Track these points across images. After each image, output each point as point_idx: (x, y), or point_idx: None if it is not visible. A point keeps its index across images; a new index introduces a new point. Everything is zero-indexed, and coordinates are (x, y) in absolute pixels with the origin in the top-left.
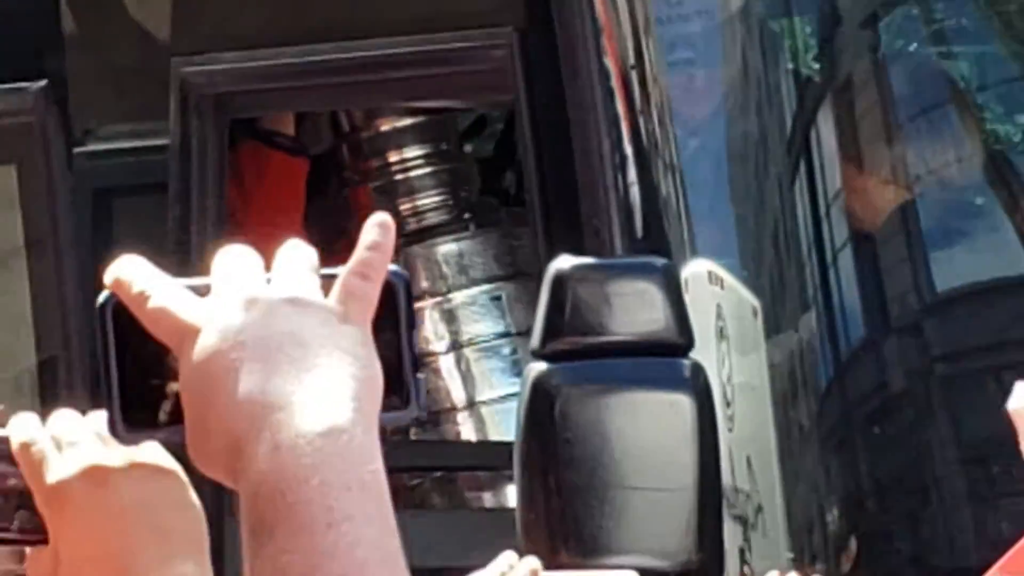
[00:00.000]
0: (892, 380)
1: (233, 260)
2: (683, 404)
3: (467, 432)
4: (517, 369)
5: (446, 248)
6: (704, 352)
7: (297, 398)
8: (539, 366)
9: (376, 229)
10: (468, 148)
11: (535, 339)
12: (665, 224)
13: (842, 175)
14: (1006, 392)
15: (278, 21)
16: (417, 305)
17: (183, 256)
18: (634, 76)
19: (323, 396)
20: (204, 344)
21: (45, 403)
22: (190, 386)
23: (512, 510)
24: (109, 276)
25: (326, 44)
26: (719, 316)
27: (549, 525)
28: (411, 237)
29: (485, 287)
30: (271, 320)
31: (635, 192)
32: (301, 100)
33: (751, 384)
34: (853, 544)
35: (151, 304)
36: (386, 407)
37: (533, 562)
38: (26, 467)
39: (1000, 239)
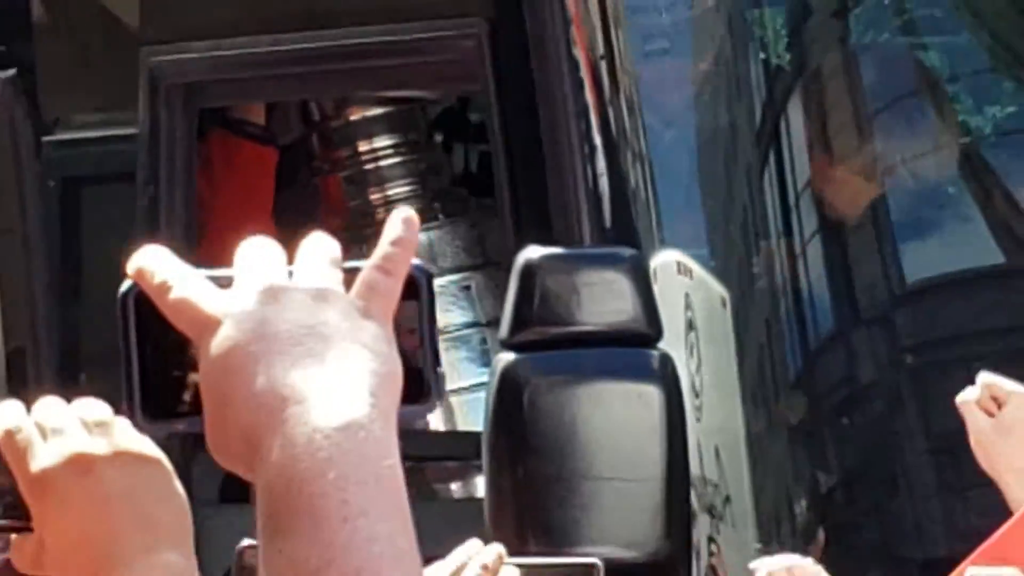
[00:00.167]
0: (861, 371)
1: (256, 252)
2: (651, 395)
3: (436, 422)
4: (486, 359)
5: None
6: (673, 342)
7: (315, 392)
8: (508, 356)
9: (400, 224)
10: (438, 138)
11: (504, 329)
12: (634, 214)
13: (812, 166)
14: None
15: (248, 10)
16: None
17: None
18: (603, 66)
19: (341, 390)
20: (224, 336)
21: (12, 393)
22: (209, 377)
23: (481, 500)
24: (131, 266)
25: (296, 33)
26: (688, 306)
27: (517, 515)
28: (381, 226)
29: (454, 276)
30: (292, 313)
31: (604, 182)
32: (271, 90)
33: (720, 375)
34: (821, 535)
35: (172, 295)
36: (406, 401)
37: (498, 548)
38: (10, 455)
39: (970, 230)
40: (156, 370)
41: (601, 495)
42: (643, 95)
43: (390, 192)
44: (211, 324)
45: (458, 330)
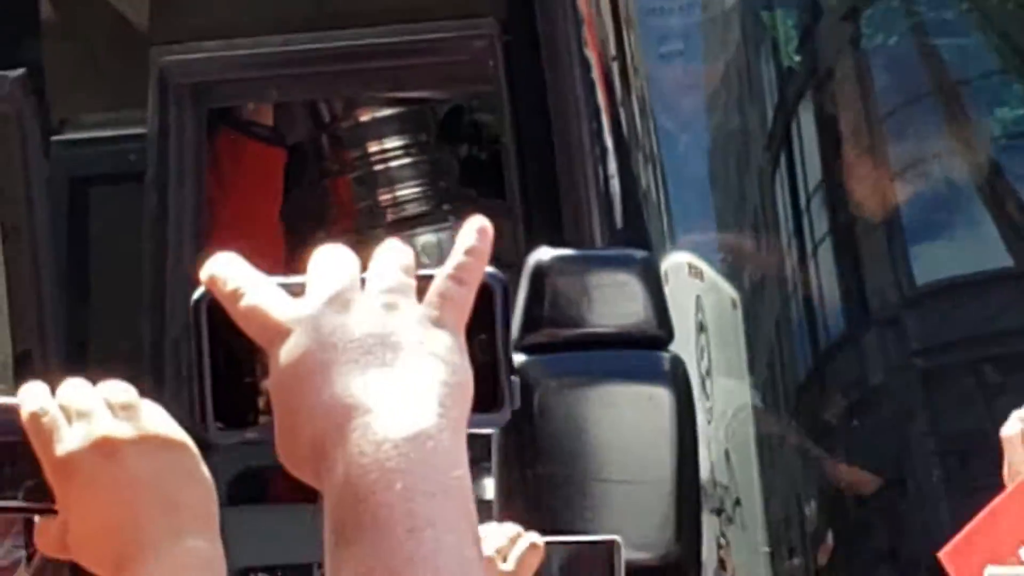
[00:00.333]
0: (871, 373)
1: (329, 260)
2: (662, 397)
3: None
4: None
5: (425, 239)
6: (683, 345)
7: (384, 401)
8: (518, 358)
9: (474, 233)
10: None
11: (514, 331)
12: (645, 216)
13: (823, 168)
14: (985, 386)
15: (258, 10)
16: None
17: (159, 246)
18: (615, 68)
19: (410, 400)
20: (294, 344)
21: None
22: (279, 385)
23: (490, 502)
24: (204, 273)
25: (306, 33)
26: (699, 308)
27: (527, 517)
28: (390, 228)
29: None
30: (363, 322)
31: (615, 184)
32: (281, 90)
33: (730, 377)
34: (830, 537)
35: (244, 302)
36: (479, 409)
37: (535, 537)
38: (36, 437)
39: (981, 232)
40: (228, 377)
41: (611, 497)
42: (655, 97)
43: (399, 193)
44: (282, 332)
45: None
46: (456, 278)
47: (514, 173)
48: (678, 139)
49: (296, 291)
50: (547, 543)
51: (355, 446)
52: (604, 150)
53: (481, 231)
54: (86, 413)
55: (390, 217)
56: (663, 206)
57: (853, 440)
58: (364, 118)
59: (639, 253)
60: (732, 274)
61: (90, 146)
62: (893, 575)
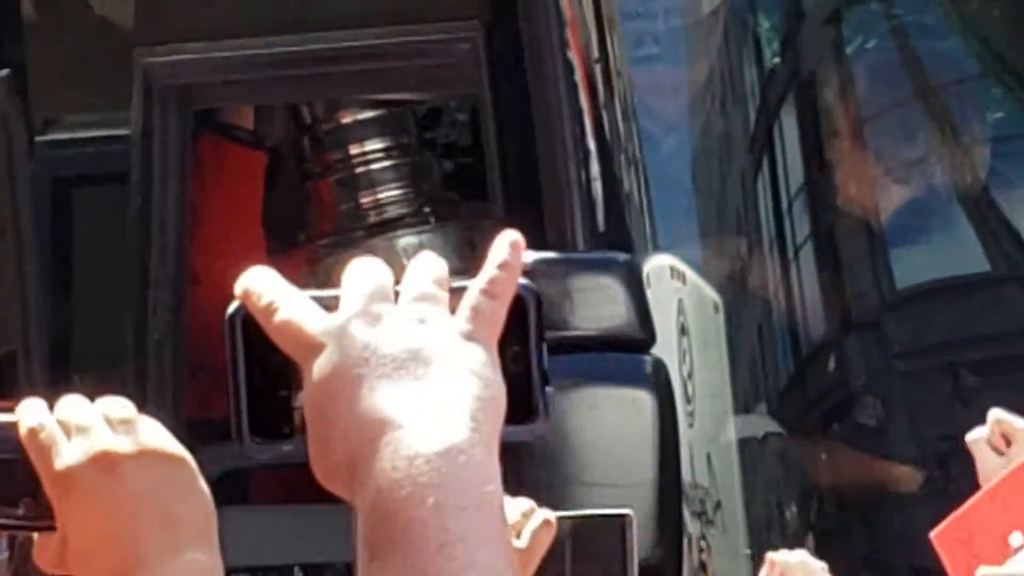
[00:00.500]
0: (852, 377)
1: (362, 273)
2: (644, 400)
3: None
4: None
5: (406, 241)
6: (665, 347)
7: (417, 416)
8: None
9: (507, 247)
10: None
11: None
12: (627, 219)
13: (805, 172)
14: (963, 389)
15: (242, 12)
16: None
17: (143, 247)
18: (598, 70)
19: (443, 415)
20: (327, 359)
21: (4, 394)
22: (312, 400)
23: None
24: (239, 287)
25: (291, 36)
26: (680, 311)
27: None
28: (372, 229)
29: None
30: (396, 337)
31: (598, 186)
32: (266, 92)
33: (712, 380)
34: (811, 540)
35: (278, 317)
36: (512, 421)
37: (548, 513)
38: (34, 452)
39: (959, 237)
40: (263, 391)
41: (593, 500)
42: (637, 100)
43: (381, 195)
44: (315, 346)
45: None
46: (489, 292)
47: (496, 176)
48: (661, 142)
49: (330, 305)
50: (559, 518)
51: (387, 461)
52: (587, 153)
53: (514, 245)
54: (85, 428)
55: (372, 219)
56: (645, 209)
57: (833, 442)
58: (346, 120)
59: (621, 256)
60: (714, 277)
61: (74, 147)
62: None
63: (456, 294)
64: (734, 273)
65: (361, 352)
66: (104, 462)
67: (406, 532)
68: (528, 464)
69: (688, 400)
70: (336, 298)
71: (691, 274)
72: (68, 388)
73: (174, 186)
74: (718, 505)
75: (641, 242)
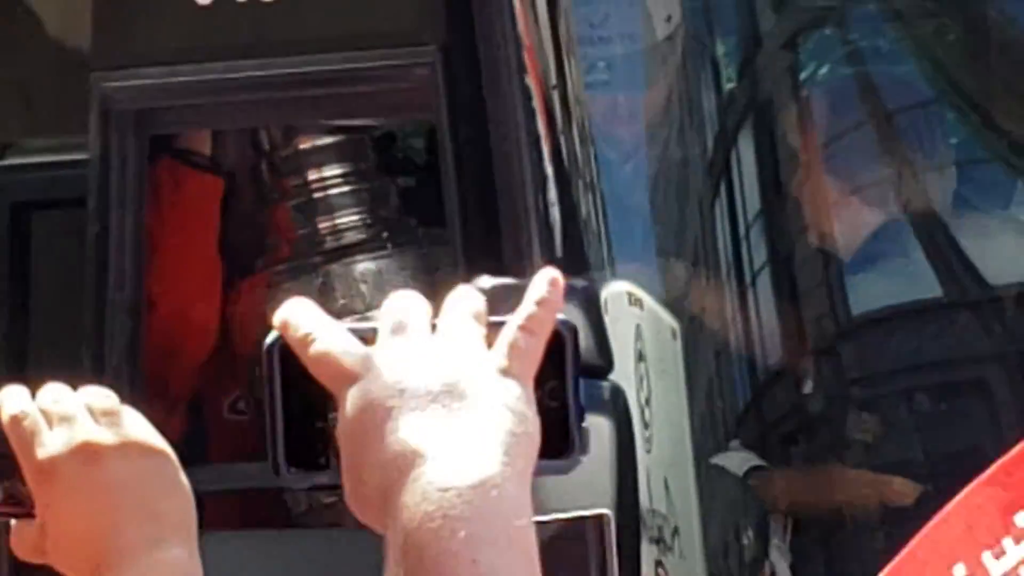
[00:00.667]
0: (808, 402)
1: (400, 306)
2: (602, 426)
3: None
4: None
5: (364, 267)
6: (623, 374)
7: (449, 449)
8: None
9: (545, 285)
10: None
11: None
12: (585, 244)
13: (762, 198)
14: (919, 414)
15: (200, 37)
16: None
17: (100, 272)
18: (556, 96)
19: (476, 449)
20: (362, 391)
21: None
22: (347, 431)
23: None
24: (277, 317)
25: (248, 61)
26: (638, 337)
27: None
28: (330, 255)
29: None
30: (431, 371)
31: (555, 212)
32: (223, 117)
33: (669, 406)
34: (768, 567)
35: (314, 348)
36: (547, 455)
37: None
38: (15, 440)
39: (912, 263)
40: (300, 421)
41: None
42: (595, 125)
43: (339, 221)
44: (351, 377)
45: None
46: (527, 329)
47: (454, 201)
48: (618, 168)
49: (367, 337)
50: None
51: (419, 493)
52: (544, 178)
53: (553, 283)
54: (68, 418)
55: (329, 244)
56: (603, 234)
57: (791, 469)
58: (304, 146)
59: (579, 282)
60: (672, 303)
61: (31, 172)
62: None
63: (494, 329)
64: (692, 299)
65: (396, 384)
66: (86, 453)
67: (437, 565)
68: None
69: (646, 426)
70: (374, 330)
71: (649, 300)
72: None
73: (131, 211)
74: (676, 531)
75: (599, 268)
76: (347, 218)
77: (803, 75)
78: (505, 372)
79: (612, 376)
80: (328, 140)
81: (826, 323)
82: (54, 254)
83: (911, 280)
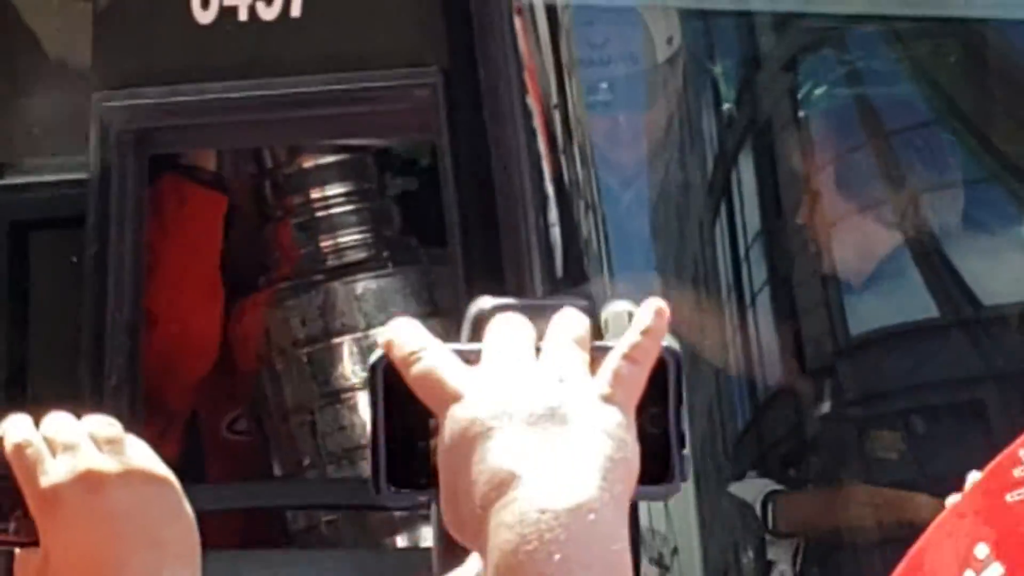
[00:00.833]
0: (807, 423)
1: (505, 329)
2: None
3: None
4: None
5: (365, 285)
6: None
7: (547, 473)
8: None
9: (652, 314)
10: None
11: None
12: (586, 264)
13: (762, 219)
14: (916, 435)
15: (200, 57)
16: (335, 340)
17: (99, 292)
18: (557, 116)
19: (574, 473)
20: (464, 410)
21: None
22: (447, 450)
23: (426, 550)
24: (383, 336)
25: (249, 81)
26: None
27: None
28: (331, 273)
29: None
30: (534, 394)
31: (556, 232)
32: (223, 137)
33: None
34: None
35: (418, 367)
36: (647, 481)
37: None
38: (19, 469)
39: (911, 284)
40: (402, 440)
41: None
42: (595, 146)
43: (341, 239)
44: (453, 397)
45: None
46: (631, 357)
47: (455, 221)
48: (619, 188)
49: (471, 358)
50: None
51: (515, 514)
52: (545, 198)
53: (659, 312)
54: (71, 446)
55: (331, 263)
56: (604, 255)
57: (790, 489)
58: (307, 164)
59: (579, 302)
60: (672, 323)
61: (30, 191)
62: None
63: (597, 354)
64: (692, 319)
65: (497, 406)
66: (89, 481)
67: None
68: None
69: None
70: (478, 352)
71: None
72: None
73: (130, 231)
74: (675, 551)
75: (599, 288)
76: (349, 237)
77: (802, 96)
78: (607, 399)
79: None
80: (331, 159)
81: (824, 343)
82: (53, 273)
83: (908, 300)
